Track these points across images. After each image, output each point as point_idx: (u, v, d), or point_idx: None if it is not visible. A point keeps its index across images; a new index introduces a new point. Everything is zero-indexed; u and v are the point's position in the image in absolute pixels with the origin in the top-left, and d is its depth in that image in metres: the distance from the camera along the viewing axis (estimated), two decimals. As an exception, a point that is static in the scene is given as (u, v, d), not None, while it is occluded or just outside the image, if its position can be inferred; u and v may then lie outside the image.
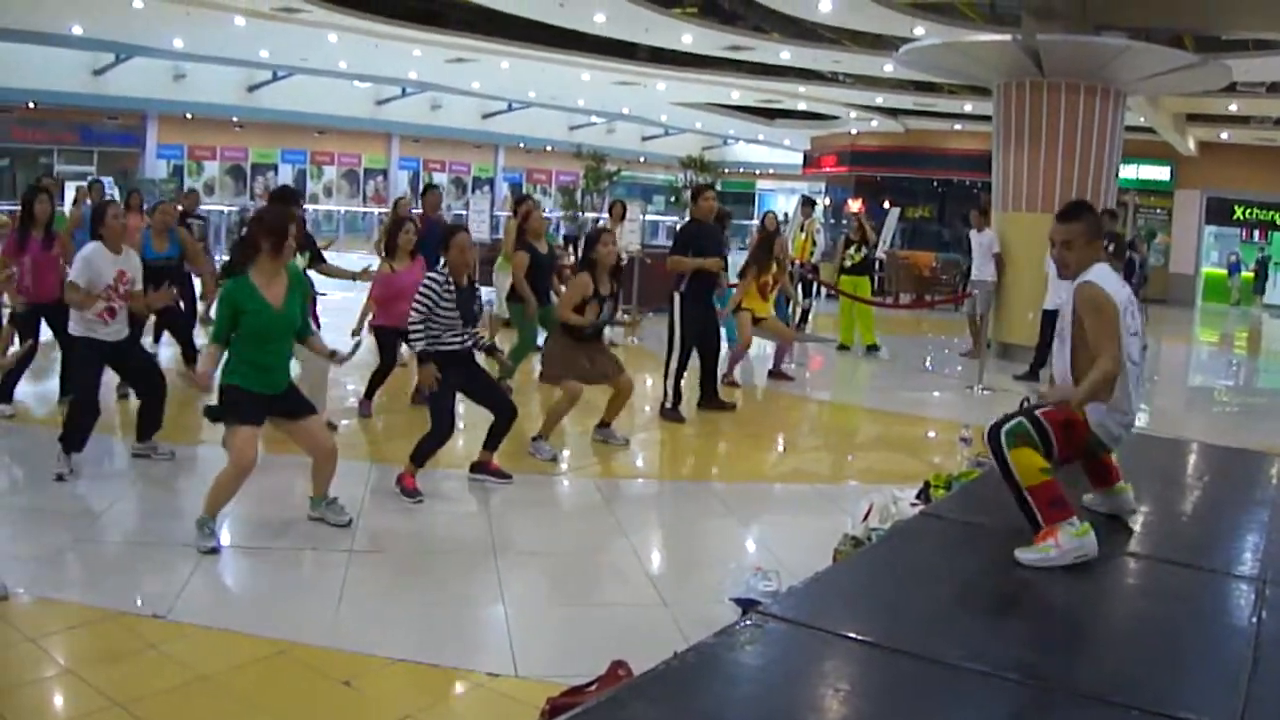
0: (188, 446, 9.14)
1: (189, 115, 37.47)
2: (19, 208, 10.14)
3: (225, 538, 6.86)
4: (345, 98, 38.59)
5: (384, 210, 32.70)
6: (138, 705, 4.66)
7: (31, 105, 34.17)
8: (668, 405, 11.11)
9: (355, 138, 42.90)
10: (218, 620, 5.66)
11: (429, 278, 8.03)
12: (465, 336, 8.13)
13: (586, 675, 4.48)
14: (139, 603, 5.79)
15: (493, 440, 8.44)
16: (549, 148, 48.22)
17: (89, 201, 13.69)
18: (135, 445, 8.73)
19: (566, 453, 9.77)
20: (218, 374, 6.98)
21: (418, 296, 7.93)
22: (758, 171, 52.76)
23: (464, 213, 31.68)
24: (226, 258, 9.98)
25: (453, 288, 7.96)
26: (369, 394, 10.61)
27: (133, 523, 7.51)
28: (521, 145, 47.72)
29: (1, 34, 27.34)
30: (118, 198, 15.04)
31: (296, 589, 6.31)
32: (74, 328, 8.23)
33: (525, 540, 7.41)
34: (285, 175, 41.64)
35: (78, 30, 26.94)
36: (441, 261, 8.13)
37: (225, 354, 6.86)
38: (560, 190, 47.82)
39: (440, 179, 45.68)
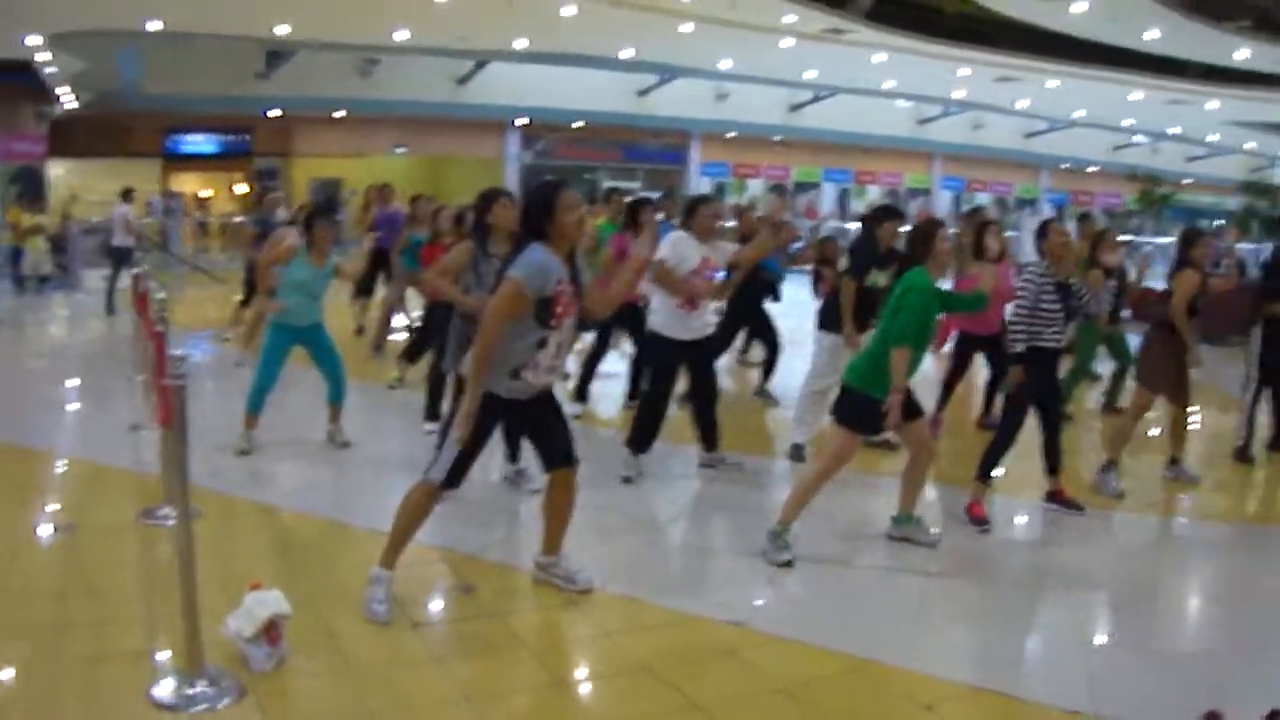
0: (757, 458, 9.77)
1: (731, 135, 39.58)
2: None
3: (798, 551, 7.12)
4: (887, 117, 39.67)
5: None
6: (720, 710, 5.12)
7: (579, 124, 37.25)
8: (1239, 445, 10.73)
9: (897, 157, 43.72)
10: (794, 632, 5.97)
11: (1030, 271, 8.31)
12: (1062, 336, 8.29)
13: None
14: (717, 609, 6.20)
15: (1051, 462, 8.43)
16: (1092, 168, 47.57)
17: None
18: (702, 455, 9.29)
19: (1118, 484, 9.49)
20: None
21: (1021, 292, 8.18)
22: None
23: (1015, 233, 31.69)
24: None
25: (1052, 281, 8.14)
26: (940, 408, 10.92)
27: (700, 529, 8.14)
28: (1064, 166, 47.35)
29: (555, 58, 30.15)
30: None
31: (873, 606, 6.49)
32: (654, 322, 8.83)
33: (1097, 575, 7.40)
34: (829, 194, 43.42)
35: (627, 54, 29.15)
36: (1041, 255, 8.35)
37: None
38: (1106, 213, 46.98)
39: (983, 199, 45.82)
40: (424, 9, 22.06)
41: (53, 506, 7.75)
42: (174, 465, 4.98)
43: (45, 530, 7.23)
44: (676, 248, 8.56)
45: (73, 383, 12.51)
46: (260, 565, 6.50)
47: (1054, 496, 8.49)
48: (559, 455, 6.15)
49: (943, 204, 44.89)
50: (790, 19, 22.65)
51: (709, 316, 8.88)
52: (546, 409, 6.11)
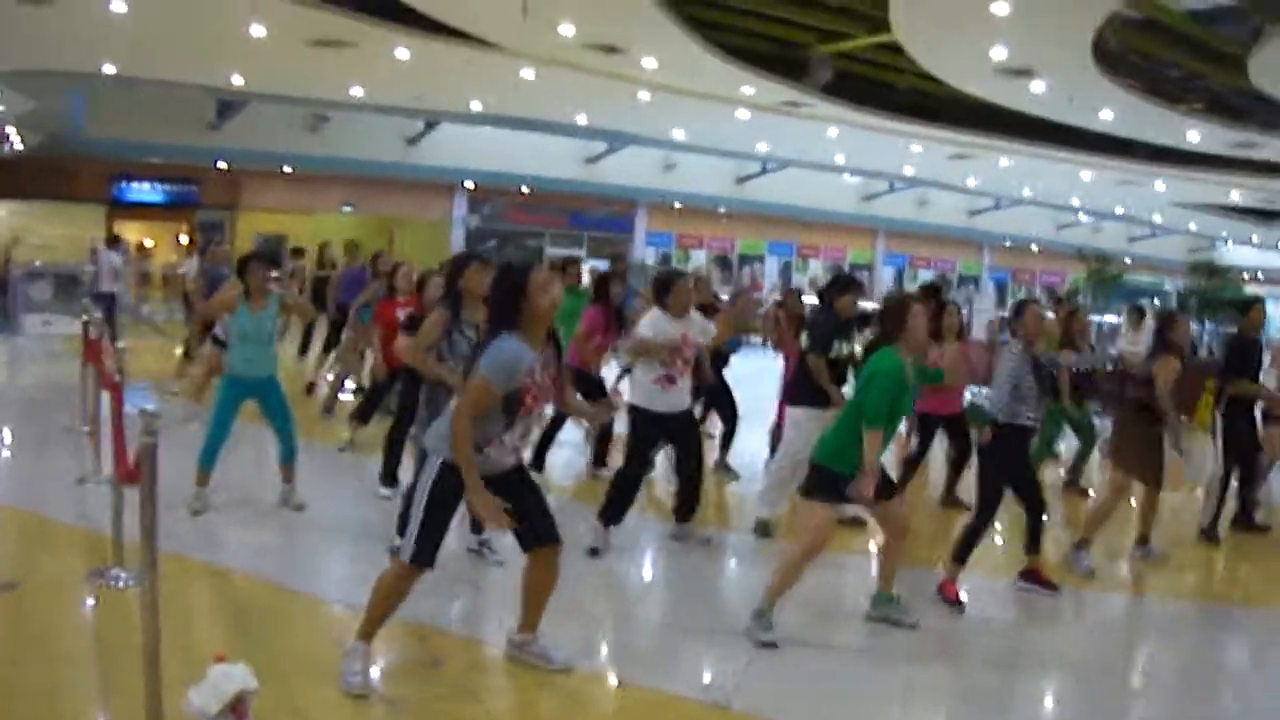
0: (721, 532, 9.61)
1: (677, 205, 39.63)
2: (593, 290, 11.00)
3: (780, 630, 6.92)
4: (832, 192, 39.88)
5: (875, 306, 33.34)
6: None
7: (526, 190, 37.18)
8: (1206, 524, 10.64)
9: (841, 232, 43.96)
10: (778, 713, 5.85)
11: (1008, 352, 8.23)
12: (1038, 415, 8.22)
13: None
14: (698, 689, 6.06)
15: (1032, 542, 8.30)
16: (1035, 247, 48.14)
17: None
18: (673, 528, 9.12)
19: (1089, 563, 9.41)
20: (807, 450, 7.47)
21: (1003, 372, 8.11)
22: (1245, 276, 50.22)
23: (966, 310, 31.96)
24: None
25: (1030, 360, 8.10)
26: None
27: (674, 605, 7.93)
28: (1007, 244, 47.76)
29: (509, 121, 30.08)
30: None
31: (854, 687, 6.34)
32: (633, 396, 8.80)
33: (1073, 655, 7.29)
34: (771, 267, 43.60)
35: (581, 120, 29.14)
36: (1013, 334, 8.37)
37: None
38: (1047, 291, 47.69)
39: (926, 275, 46.02)
40: (382, 66, 21.86)
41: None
42: (144, 526, 4.68)
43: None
44: (656, 328, 8.55)
45: (13, 431, 12.09)
46: (218, 633, 6.25)
47: (1030, 576, 8.34)
48: (539, 533, 5.89)
49: (885, 280, 45.15)
50: (748, 90, 22.69)
51: (686, 393, 8.77)
52: (518, 485, 5.84)
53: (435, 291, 8.91)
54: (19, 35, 19.68)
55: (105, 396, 9.53)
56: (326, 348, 15.71)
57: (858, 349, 9.13)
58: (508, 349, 5.44)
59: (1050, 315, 12.66)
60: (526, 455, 6.05)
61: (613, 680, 6.13)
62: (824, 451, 7.01)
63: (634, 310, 13.46)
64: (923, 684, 6.53)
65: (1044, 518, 8.26)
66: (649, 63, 20.87)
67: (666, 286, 8.75)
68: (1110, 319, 28.11)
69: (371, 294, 12.60)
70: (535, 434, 5.72)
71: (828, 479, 6.90)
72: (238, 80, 25.16)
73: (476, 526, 7.85)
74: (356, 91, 26.06)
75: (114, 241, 21.05)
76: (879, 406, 6.77)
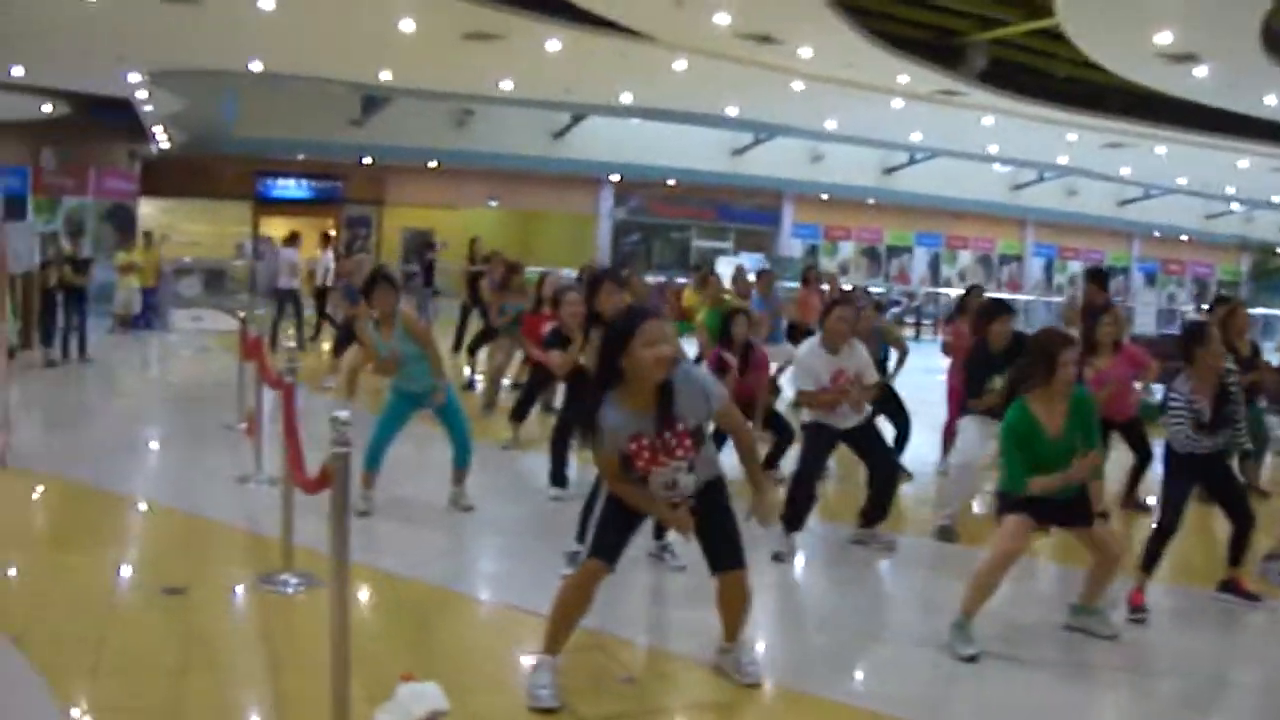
0: (903, 536, 9.16)
1: (825, 196, 39.19)
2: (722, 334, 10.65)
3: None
4: (981, 182, 39.15)
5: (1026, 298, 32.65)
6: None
7: (672, 183, 36.98)
8: None
9: (989, 222, 43.14)
10: None
11: (1174, 396, 7.68)
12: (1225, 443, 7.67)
13: None
14: (902, 707, 5.72)
15: (1236, 554, 7.73)
16: (1185, 237, 46.77)
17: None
18: (856, 531, 8.84)
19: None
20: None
21: (1172, 402, 7.62)
22: None
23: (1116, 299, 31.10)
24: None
25: (1199, 402, 7.46)
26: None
27: (864, 614, 7.49)
28: (1156, 234, 46.40)
29: (658, 114, 29.88)
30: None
31: (1063, 703, 6.02)
32: (805, 414, 8.61)
33: None
34: (920, 259, 42.89)
35: (733, 111, 28.84)
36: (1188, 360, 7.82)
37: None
38: (1196, 283, 46.47)
39: (1074, 267, 44.86)
40: (533, 59, 21.74)
41: (159, 566, 7.19)
42: (334, 540, 4.46)
43: (152, 593, 6.61)
44: (807, 369, 8.33)
45: (170, 429, 12.08)
46: (393, 642, 6.03)
47: (1231, 586, 7.78)
48: (724, 557, 5.63)
49: (1034, 272, 44.27)
50: (904, 79, 22.20)
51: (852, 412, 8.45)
52: (709, 506, 5.61)
53: (570, 309, 8.82)
54: (167, 35, 19.90)
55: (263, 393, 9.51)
56: (475, 345, 15.66)
57: None
58: (604, 418, 5.29)
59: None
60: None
61: (811, 696, 5.78)
62: (1002, 481, 6.71)
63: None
64: (1126, 697, 6.26)
65: (1252, 530, 7.65)
66: (804, 52, 20.44)
67: (826, 313, 8.48)
68: (1268, 311, 27.01)
69: (504, 301, 13.29)
70: (689, 479, 5.37)
71: (1012, 500, 6.52)
72: (386, 75, 25.21)
73: (658, 531, 7.60)
74: (506, 85, 25.89)
75: (292, 239, 21.16)
76: (1013, 474, 6.46)
